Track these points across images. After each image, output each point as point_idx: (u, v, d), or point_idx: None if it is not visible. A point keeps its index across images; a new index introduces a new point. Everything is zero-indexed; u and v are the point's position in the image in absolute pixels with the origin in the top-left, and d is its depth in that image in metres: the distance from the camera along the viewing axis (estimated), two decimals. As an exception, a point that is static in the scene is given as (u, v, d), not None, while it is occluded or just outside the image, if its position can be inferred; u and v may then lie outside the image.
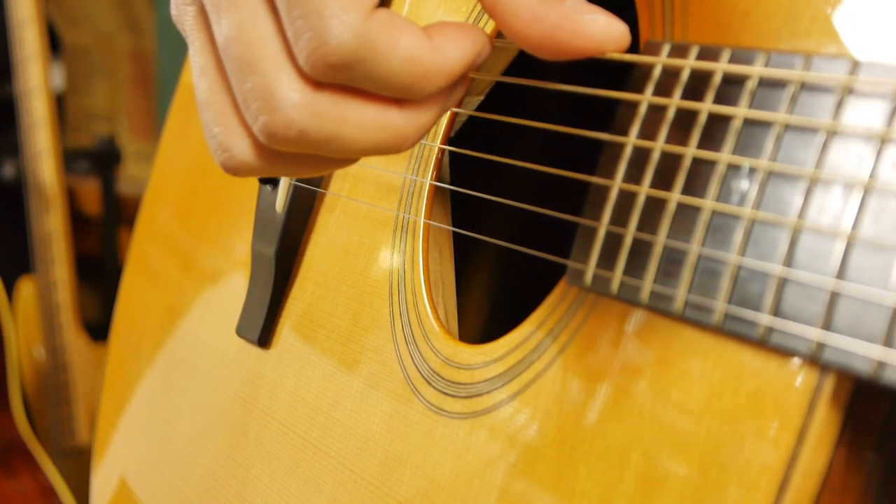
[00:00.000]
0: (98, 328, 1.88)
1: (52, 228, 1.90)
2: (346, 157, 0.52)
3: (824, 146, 0.44)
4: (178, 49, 2.08)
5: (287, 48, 0.49)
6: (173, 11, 0.55)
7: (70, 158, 2.10)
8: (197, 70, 0.53)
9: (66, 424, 1.89)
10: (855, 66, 0.43)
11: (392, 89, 0.49)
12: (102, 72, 2.55)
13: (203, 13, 0.53)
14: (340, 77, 0.48)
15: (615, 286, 0.51)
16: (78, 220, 2.08)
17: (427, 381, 0.64)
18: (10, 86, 1.97)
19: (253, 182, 0.86)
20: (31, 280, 1.94)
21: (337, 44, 0.47)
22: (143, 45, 2.51)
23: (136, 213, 1.13)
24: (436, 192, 0.70)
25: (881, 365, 0.40)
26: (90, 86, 2.55)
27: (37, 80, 1.91)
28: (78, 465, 1.85)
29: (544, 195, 0.60)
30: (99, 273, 2.13)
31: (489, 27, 0.67)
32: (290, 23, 0.48)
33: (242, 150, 0.52)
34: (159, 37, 2.23)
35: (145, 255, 1.07)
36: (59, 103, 2.43)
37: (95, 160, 2.12)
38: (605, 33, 0.49)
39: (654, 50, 0.51)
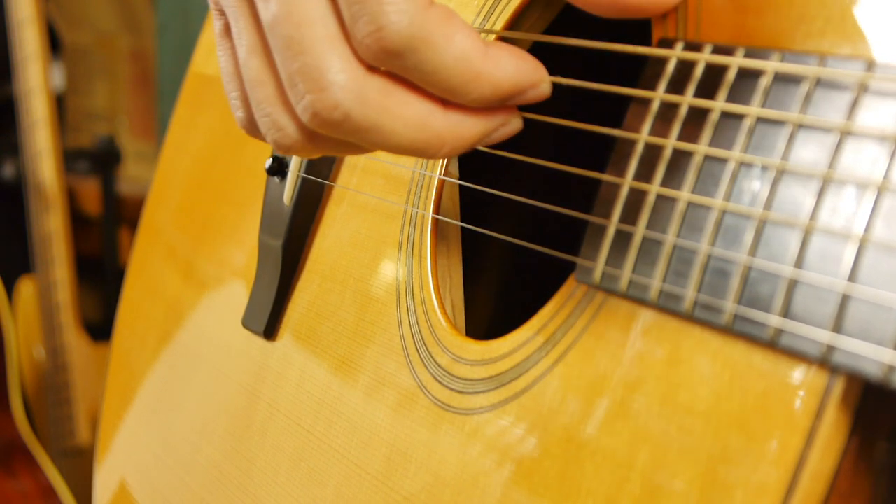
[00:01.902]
0: (98, 328, 1.89)
1: (52, 228, 1.90)
2: (384, 149, 0.53)
3: (837, 147, 0.44)
4: (178, 49, 2.08)
5: (340, 30, 0.50)
6: None
7: (70, 158, 2.10)
8: (245, 49, 0.54)
9: (66, 424, 1.88)
10: (870, 65, 0.43)
11: (440, 86, 0.50)
12: (102, 72, 2.54)
13: None
14: (393, 64, 0.49)
15: (624, 284, 0.51)
16: (78, 220, 2.08)
17: (433, 377, 0.63)
18: (10, 86, 1.97)
19: (261, 173, 0.86)
20: (31, 280, 1.94)
21: (394, 29, 0.48)
22: (143, 45, 2.51)
23: (136, 213, 1.13)
24: (444, 187, 0.70)
25: (892, 369, 0.40)
26: (90, 86, 2.55)
27: (37, 80, 1.91)
28: (78, 465, 1.84)
29: (551, 192, 0.60)
30: (99, 273, 2.12)
31: (500, 21, 0.67)
32: (348, 6, 0.48)
33: (294, 130, 0.53)
34: (159, 37, 2.22)
35: (152, 244, 1.07)
36: (59, 103, 2.43)
37: (95, 160, 2.12)
38: None
39: (667, 47, 0.51)
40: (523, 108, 0.55)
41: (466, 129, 0.52)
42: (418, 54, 0.48)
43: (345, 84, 0.49)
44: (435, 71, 0.49)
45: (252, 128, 0.58)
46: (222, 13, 0.56)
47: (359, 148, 0.55)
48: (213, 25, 1.09)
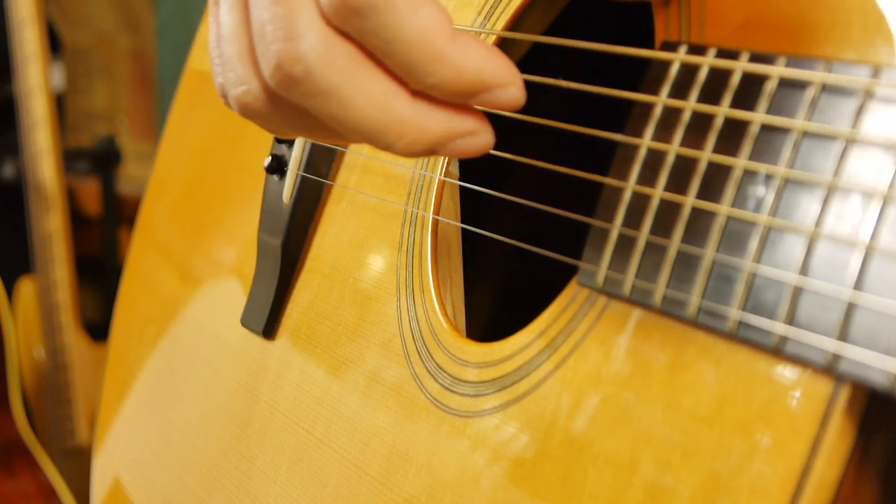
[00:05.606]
0: (98, 328, 1.88)
1: (52, 228, 1.90)
2: (341, 126, 0.50)
3: (843, 154, 0.43)
4: (178, 49, 2.08)
5: None
6: None
7: (70, 158, 2.10)
8: (227, 5, 0.53)
9: (66, 424, 1.88)
10: (876, 71, 0.43)
11: (398, 58, 0.48)
12: (102, 72, 2.54)
13: None
14: (353, 24, 0.48)
15: (627, 289, 0.50)
16: (78, 220, 2.08)
17: (434, 378, 0.63)
18: (10, 86, 1.97)
19: (257, 170, 0.86)
20: (31, 280, 1.94)
21: None
22: (143, 45, 2.51)
23: (136, 212, 1.12)
24: (445, 188, 0.70)
25: (898, 377, 0.40)
26: (90, 86, 2.54)
27: (37, 80, 1.91)
28: (78, 465, 1.84)
29: (551, 195, 0.59)
30: (99, 273, 2.12)
31: (501, 21, 0.67)
32: None
33: (256, 87, 0.52)
34: (159, 37, 2.22)
35: (148, 241, 1.07)
36: (59, 103, 2.43)
37: (95, 160, 2.13)
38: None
39: (670, 50, 0.51)
40: (521, 110, 0.55)
41: (430, 123, 0.50)
42: (379, 15, 0.47)
43: (312, 39, 0.48)
44: (395, 39, 0.47)
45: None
46: None
47: (319, 127, 0.53)
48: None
